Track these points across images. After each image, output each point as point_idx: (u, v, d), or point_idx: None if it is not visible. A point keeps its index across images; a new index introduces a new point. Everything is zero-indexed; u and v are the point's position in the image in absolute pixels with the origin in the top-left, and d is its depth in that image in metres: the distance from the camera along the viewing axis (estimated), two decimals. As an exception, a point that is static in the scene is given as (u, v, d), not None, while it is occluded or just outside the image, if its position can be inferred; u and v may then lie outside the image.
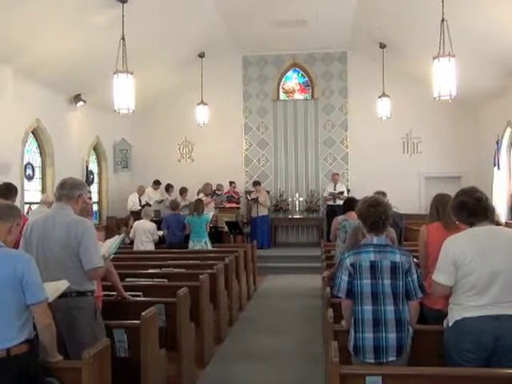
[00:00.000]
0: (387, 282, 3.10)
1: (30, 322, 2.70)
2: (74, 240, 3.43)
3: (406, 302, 3.14)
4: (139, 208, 11.84)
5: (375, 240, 3.22)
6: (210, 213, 10.38)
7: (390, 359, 3.06)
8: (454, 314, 3.02)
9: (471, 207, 3.06)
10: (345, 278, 3.17)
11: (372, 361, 3.07)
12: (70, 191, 3.61)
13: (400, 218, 6.40)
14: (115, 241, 4.01)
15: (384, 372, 2.72)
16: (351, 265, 3.15)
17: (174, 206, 9.35)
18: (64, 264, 3.43)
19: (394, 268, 3.11)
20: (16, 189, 5.50)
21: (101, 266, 3.52)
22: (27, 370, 2.62)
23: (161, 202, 12.69)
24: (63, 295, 3.34)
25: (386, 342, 3.05)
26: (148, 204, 12.00)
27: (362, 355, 3.09)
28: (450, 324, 3.04)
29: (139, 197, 12.48)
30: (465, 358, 2.92)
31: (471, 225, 3.09)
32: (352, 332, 3.15)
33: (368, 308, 3.10)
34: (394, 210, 6.31)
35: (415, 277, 3.13)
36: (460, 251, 2.99)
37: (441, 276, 3.07)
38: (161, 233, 9.16)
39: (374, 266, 3.12)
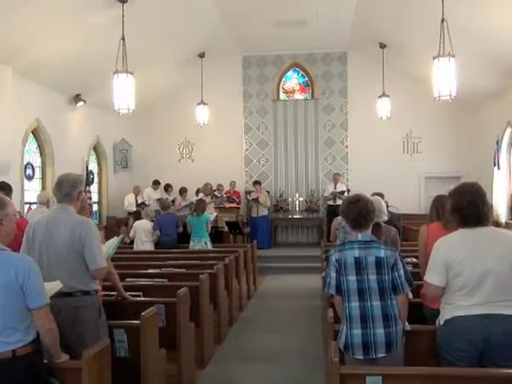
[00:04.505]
0: (373, 277, 3.11)
1: (35, 323, 2.70)
2: (78, 241, 3.44)
3: (394, 296, 3.14)
4: (135, 209, 11.88)
5: (360, 236, 3.23)
6: (212, 213, 10.36)
7: (380, 355, 3.05)
8: (445, 313, 3.03)
9: (463, 210, 3.03)
10: (333, 274, 3.19)
11: (361, 357, 3.07)
12: (70, 190, 3.58)
13: (397, 218, 6.42)
14: (113, 242, 4.01)
15: (384, 372, 2.71)
16: (337, 261, 3.18)
17: (164, 206, 9.30)
18: (68, 264, 3.43)
19: (379, 263, 3.12)
20: (10, 187, 5.48)
21: (104, 267, 3.55)
22: (32, 369, 2.62)
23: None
24: (68, 294, 3.36)
25: (375, 337, 3.06)
26: (144, 203, 11.99)
27: (351, 351, 3.10)
28: (442, 323, 3.05)
29: (135, 197, 12.46)
30: (457, 357, 2.92)
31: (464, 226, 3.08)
32: (344, 328, 3.17)
33: (355, 304, 3.12)
34: (390, 210, 6.35)
35: (402, 272, 3.14)
36: (450, 251, 2.99)
37: (431, 276, 3.06)
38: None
39: (358, 263, 3.13)
